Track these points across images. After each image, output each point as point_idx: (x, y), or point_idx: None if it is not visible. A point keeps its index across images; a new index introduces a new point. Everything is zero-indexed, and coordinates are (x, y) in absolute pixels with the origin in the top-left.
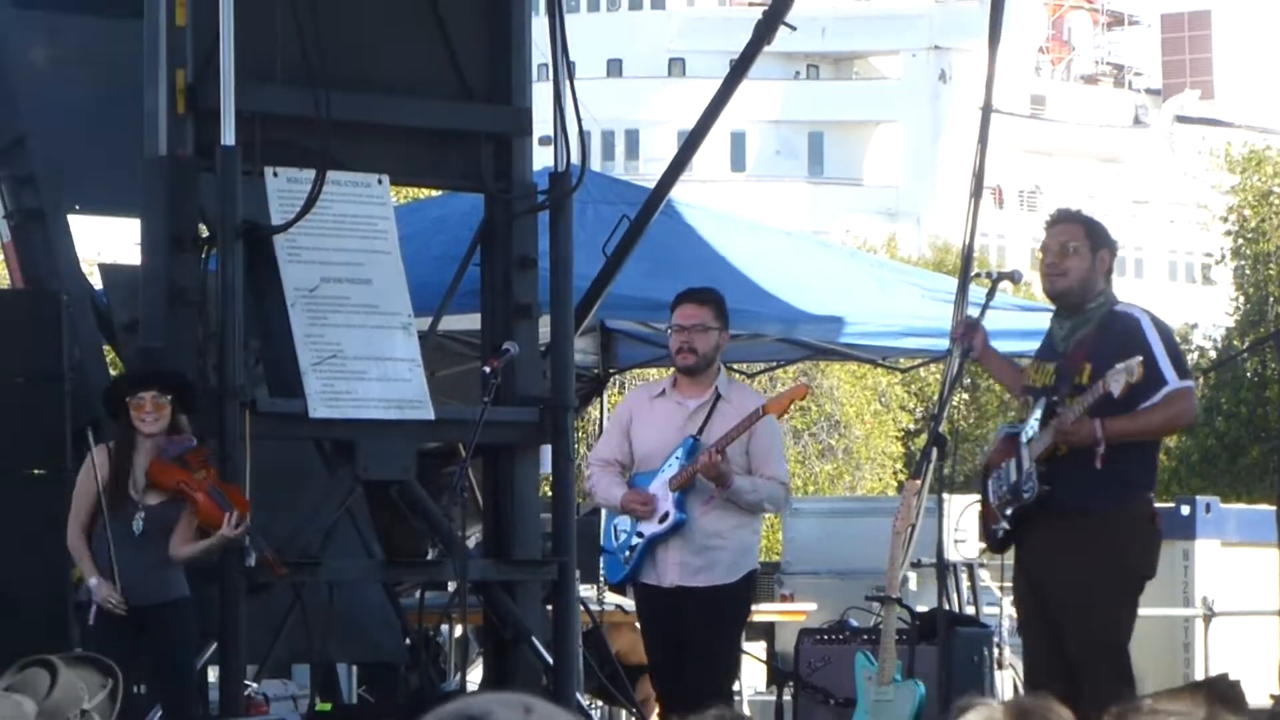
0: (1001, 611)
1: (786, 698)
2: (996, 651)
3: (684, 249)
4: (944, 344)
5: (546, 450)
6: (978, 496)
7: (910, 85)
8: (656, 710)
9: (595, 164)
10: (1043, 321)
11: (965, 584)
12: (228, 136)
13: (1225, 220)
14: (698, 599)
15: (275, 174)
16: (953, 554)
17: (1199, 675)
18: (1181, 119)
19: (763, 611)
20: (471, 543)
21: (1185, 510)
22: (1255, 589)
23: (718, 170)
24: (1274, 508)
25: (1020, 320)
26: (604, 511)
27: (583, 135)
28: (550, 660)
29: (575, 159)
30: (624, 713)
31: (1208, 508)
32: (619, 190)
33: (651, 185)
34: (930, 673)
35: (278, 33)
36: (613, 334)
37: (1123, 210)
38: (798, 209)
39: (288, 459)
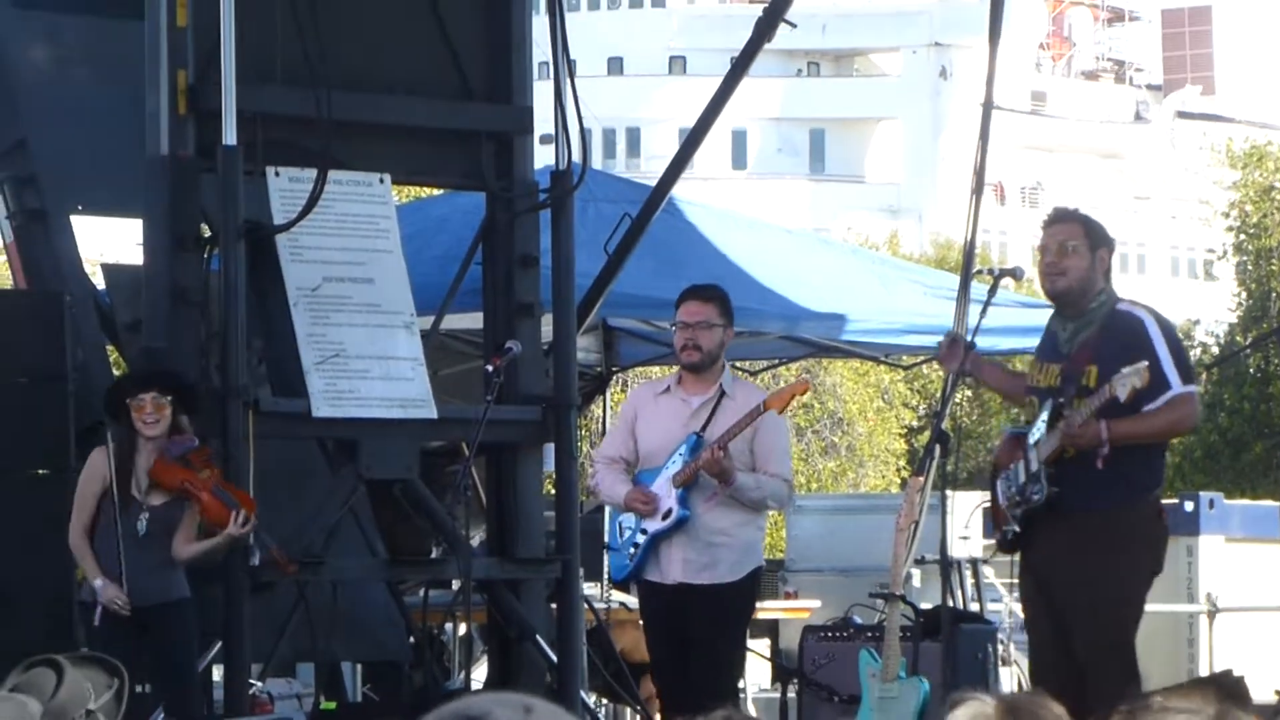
0: (1005, 608)
1: (791, 695)
2: (1000, 648)
3: (686, 247)
4: None
5: (549, 449)
6: (981, 493)
7: (911, 82)
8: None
9: (596, 162)
10: (1045, 318)
11: (969, 581)
12: (229, 136)
13: (1227, 216)
14: (702, 597)
15: (277, 174)
16: (956, 551)
17: (1203, 671)
18: (1183, 115)
19: (767, 609)
20: (475, 541)
21: (1189, 506)
22: (1259, 584)
23: (719, 168)
24: (1277, 503)
25: (1022, 317)
26: (608, 509)
27: (584, 133)
28: (555, 658)
29: (576, 157)
30: (629, 711)
31: (1211, 504)
32: (620, 188)
33: (653, 183)
34: (934, 670)
35: (278, 33)
36: (615, 332)
37: (1124, 206)
38: (799, 206)
39: (291, 458)
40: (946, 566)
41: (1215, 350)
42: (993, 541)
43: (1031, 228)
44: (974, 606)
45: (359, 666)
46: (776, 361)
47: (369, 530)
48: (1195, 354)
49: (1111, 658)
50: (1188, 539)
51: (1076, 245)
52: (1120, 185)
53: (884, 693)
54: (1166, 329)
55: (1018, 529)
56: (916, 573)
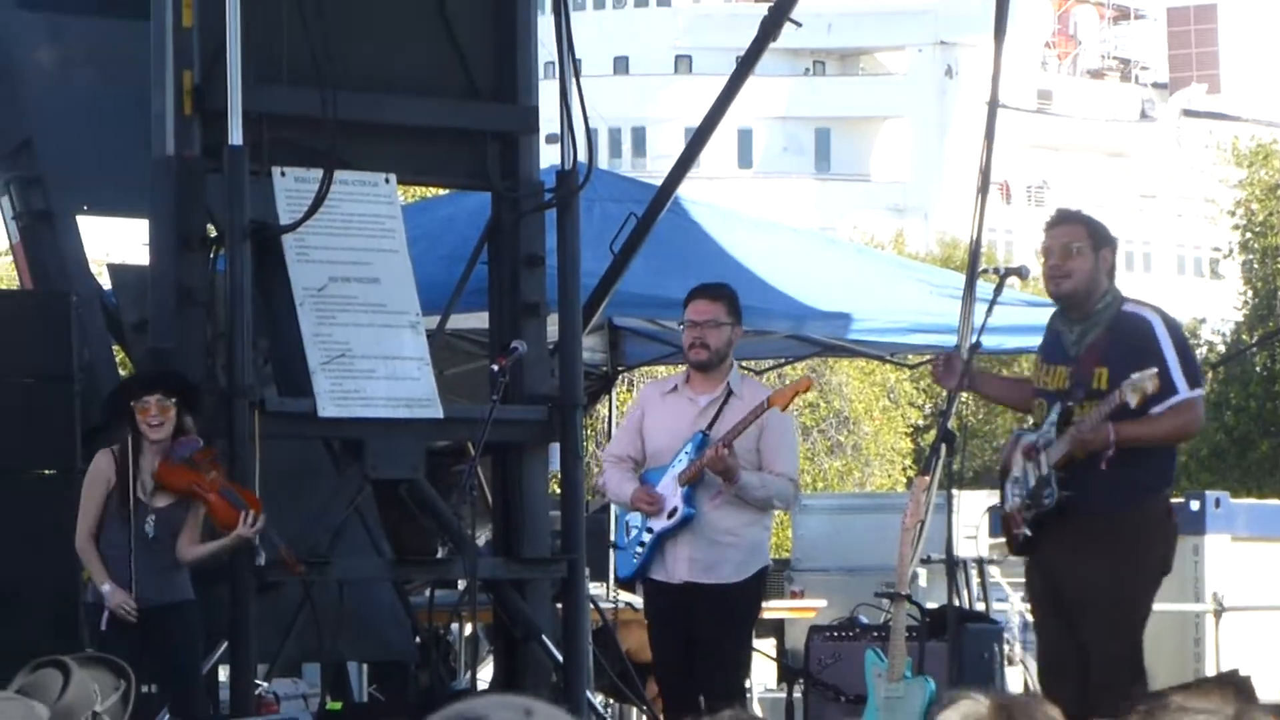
0: (1011, 607)
1: (797, 695)
2: (1006, 648)
3: (691, 246)
4: (952, 340)
5: (555, 448)
6: (987, 492)
7: (917, 81)
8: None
9: (602, 161)
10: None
11: (975, 580)
12: (235, 136)
13: (1233, 214)
14: (708, 596)
15: (283, 174)
16: (962, 550)
17: (1209, 671)
18: (1188, 113)
19: (773, 608)
20: (481, 541)
21: (1195, 505)
22: (1265, 583)
23: (725, 167)
24: None
25: (1028, 315)
26: (614, 508)
27: (589, 133)
28: (560, 658)
29: (582, 157)
30: (635, 711)
31: (1217, 503)
32: (626, 188)
33: (658, 182)
34: (940, 669)
35: (284, 33)
36: (620, 331)
37: (1130, 204)
38: (805, 205)
39: (297, 458)
40: (952, 566)
41: (1221, 348)
42: (999, 541)
43: (1037, 226)
44: (980, 606)
45: (365, 666)
46: (782, 360)
47: (375, 530)
48: (1201, 353)
49: (1119, 658)
50: (1194, 538)
51: (1080, 247)
52: (1126, 184)
53: (890, 692)
54: (1174, 331)
55: (1029, 532)
56: (922, 572)
